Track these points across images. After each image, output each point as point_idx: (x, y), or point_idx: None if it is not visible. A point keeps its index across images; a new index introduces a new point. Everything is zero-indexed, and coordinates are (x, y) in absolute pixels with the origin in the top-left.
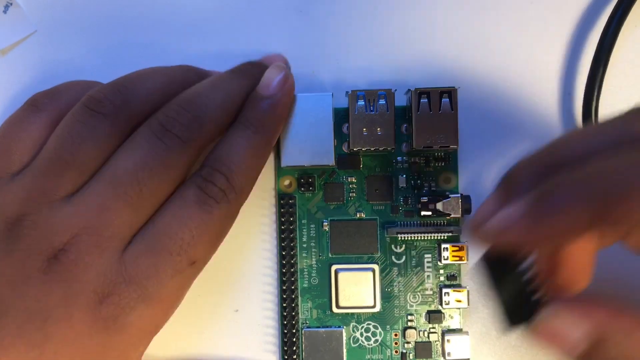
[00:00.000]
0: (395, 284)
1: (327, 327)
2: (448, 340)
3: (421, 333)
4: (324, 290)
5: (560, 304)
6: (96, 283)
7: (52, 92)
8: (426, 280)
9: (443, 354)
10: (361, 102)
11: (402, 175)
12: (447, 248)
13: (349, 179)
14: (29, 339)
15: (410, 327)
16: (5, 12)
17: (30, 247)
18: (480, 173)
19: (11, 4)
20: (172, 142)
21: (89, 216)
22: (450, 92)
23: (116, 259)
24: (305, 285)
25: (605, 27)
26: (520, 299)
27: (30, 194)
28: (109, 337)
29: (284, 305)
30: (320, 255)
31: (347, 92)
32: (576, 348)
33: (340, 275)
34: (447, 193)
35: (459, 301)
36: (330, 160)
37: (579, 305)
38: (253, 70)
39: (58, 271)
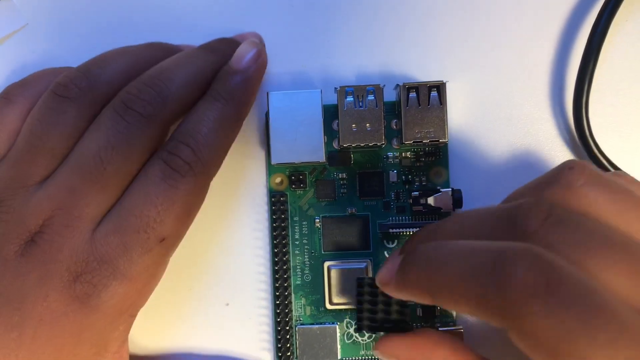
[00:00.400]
0: None
1: (320, 323)
2: None
3: (415, 328)
4: (317, 287)
5: (391, 338)
6: (69, 262)
7: (23, 82)
8: None
9: None
10: (350, 98)
11: (392, 171)
12: None
13: (340, 176)
14: (7, 321)
15: None
16: None
17: (7, 232)
18: (471, 167)
19: None
20: (134, 118)
21: (60, 198)
22: (438, 87)
23: (87, 238)
24: (298, 282)
25: (595, 20)
26: (373, 313)
27: (6, 182)
28: (85, 316)
29: (277, 302)
30: (312, 252)
31: (335, 88)
32: None
33: (333, 271)
34: (438, 187)
35: None
36: (320, 157)
37: (403, 342)
38: (223, 46)
39: (34, 253)
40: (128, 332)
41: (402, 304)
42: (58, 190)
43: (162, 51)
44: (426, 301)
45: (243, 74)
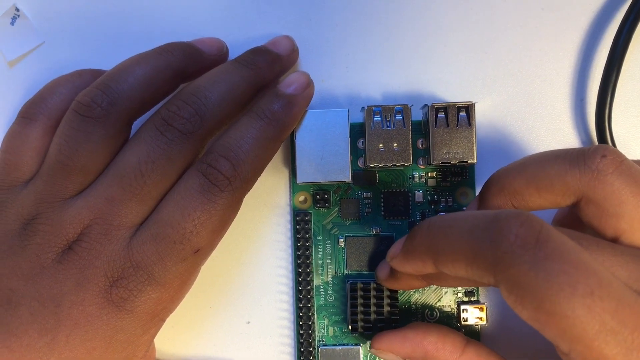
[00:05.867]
0: (412, 300)
1: (344, 344)
2: None
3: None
4: (341, 308)
5: (384, 335)
6: (107, 268)
7: (38, 99)
8: (444, 297)
9: None
10: (377, 118)
11: (418, 191)
12: None
13: (365, 195)
14: (42, 325)
15: None
16: (12, 24)
17: (45, 241)
18: None
19: (18, 15)
20: (173, 135)
21: (98, 208)
22: (467, 107)
23: (124, 245)
24: (322, 303)
25: (617, 32)
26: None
27: (42, 196)
28: (119, 319)
29: (300, 322)
30: (336, 272)
31: (362, 107)
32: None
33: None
34: (464, 208)
35: (478, 318)
36: (347, 176)
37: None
38: (255, 58)
39: (72, 260)
40: (154, 337)
41: (392, 303)
42: (97, 200)
43: (177, 54)
44: (429, 267)
45: (289, 99)
